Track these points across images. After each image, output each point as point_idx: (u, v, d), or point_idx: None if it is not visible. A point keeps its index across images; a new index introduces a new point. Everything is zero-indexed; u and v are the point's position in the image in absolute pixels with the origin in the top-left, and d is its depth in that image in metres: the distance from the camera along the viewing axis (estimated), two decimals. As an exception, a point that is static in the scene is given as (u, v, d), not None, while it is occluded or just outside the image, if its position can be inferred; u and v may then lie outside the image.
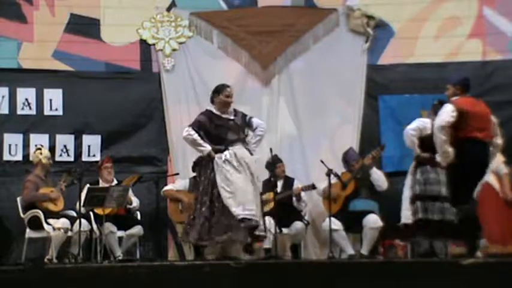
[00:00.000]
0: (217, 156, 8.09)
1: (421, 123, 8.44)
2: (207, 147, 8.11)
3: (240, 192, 7.97)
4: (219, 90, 8.30)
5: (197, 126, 8.19)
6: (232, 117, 8.28)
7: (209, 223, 7.99)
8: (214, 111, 8.28)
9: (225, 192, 7.99)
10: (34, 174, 9.44)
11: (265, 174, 9.59)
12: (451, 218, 8.19)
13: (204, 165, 8.21)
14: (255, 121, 8.44)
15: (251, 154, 8.23)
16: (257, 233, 8.11)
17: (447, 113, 7.88)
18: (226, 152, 8.10)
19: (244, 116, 8.40)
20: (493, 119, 8.26)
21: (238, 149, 8.16)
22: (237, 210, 7.92)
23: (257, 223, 8.03)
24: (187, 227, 8.22)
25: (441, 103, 8.50)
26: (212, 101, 8.35)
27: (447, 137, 7.86)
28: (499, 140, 8.32)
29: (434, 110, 8.48)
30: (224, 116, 8.26)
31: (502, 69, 10.43)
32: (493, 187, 9.11)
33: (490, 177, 9.10)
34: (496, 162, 9.12)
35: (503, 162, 9.20)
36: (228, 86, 8.34)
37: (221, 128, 8.20)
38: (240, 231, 7.92)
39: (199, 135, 8.16)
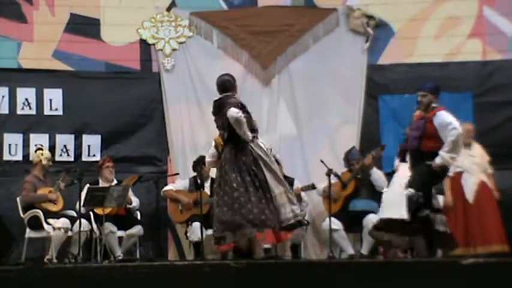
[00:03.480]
0: (253, 144, 7.75)
1: None
2: (250, 133, 7.73)
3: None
4: (235, 79, 7.96)
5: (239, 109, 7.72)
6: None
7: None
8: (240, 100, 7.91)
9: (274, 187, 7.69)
10: (32, 174, 9.43)
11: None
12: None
13: (238, 151, 7.70)
14: None
15: None
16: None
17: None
18: (259, 142, 7.80)
19: None
20: None
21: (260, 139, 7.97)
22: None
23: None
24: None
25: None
26: (233, 88, 7.87)
27: None
28: None
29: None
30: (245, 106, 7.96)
31: (502, 69, 10.43)
32: (489, 186, 9.15)
33: (482, 176, 9.13)
34: (483, 162, 9.15)
35: (488, 161, 9.24)
36: None
37: (250, 117, 7.86)
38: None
39: None
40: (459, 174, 9.12)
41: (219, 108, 7.76)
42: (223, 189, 7.68)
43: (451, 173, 8.64)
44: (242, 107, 7.74)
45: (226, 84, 7.85)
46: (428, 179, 7.90)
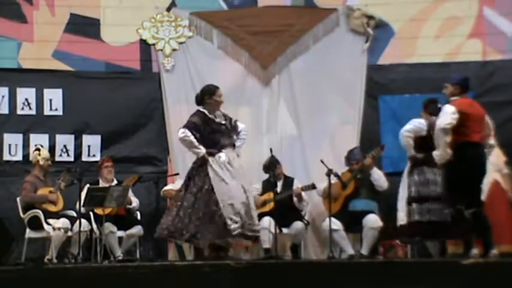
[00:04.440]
0: (211, 159, 8.08)
1: (416, 124, 8.41)
2: (202, 150, 8.08)
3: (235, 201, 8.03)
4: (212, 91, 8.29)
5: (192, 128, 8.12)
6: (223, 122, 8.28)
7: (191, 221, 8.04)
8: (208, 113, 8.24)
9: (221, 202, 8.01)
10: (32, 174, 9.43)
11: (264, 175, 9.62)
12: (445, 218, 8.15)
13: (197, 168, 8.17)
14: (239, 125, 8.45)
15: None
16: (250, 234, 8.15)
17: (449, 115, 7.79)
18: (221, 155, 8.10)
19: (230, 119, 8.41)
20: (488, 119, 8.25)
21: (229, 152, 8.17)
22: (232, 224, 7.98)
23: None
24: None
25: (431, 102, 8.50)
26: (202, 103, 8.30)
27: (449, 139, 7.82)
28: (492, 141, 8.34)
29: (429, 110, 8.46)
30: (217, 120, 8.24)
31: (502, 69, 10.44)
32: (502, 186, 9.11)
33: (496, 176, 9.09)
34: (499, 161, 9.11)
35: (504, 162, 9.20)
36: (218, 87, 8.34)
37: (215, 132, 8.19)
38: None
39: (195, 137, 8.12)
40: None
41: None
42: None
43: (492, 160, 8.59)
44: (198, 125, 8.11)
45: (197, 99, 8.41)
46: (455, 184, 7.84)
